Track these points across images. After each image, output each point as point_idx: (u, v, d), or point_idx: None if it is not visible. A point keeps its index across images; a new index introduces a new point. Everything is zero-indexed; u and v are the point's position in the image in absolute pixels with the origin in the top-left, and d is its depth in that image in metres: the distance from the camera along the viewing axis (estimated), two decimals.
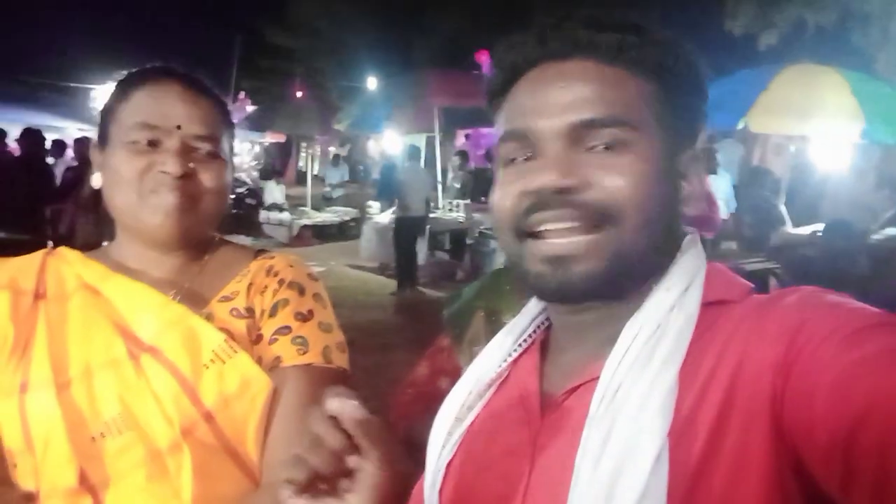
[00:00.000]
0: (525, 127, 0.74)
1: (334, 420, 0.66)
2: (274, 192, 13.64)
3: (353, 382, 1.13)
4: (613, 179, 0.70)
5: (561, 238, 0.72)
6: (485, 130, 12.83)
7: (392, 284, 8.82)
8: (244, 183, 13.29)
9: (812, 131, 6.94)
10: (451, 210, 10.71)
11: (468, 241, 9.41)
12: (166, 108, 1.09)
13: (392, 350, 5.32)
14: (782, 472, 0.60)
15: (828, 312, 0.63)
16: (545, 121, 0.73)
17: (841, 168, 7.33)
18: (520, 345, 0.84)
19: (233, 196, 1.20)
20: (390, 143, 13.35)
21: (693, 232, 0.79)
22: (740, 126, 6.68)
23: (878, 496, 0.55)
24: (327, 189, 15.91)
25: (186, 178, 1.07)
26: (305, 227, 12.91)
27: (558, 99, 0.73)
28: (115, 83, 1.14)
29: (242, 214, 12.09)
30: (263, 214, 12.92)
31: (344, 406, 0.66)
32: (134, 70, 1.14)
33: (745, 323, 0.67)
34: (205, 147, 1.10)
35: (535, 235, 0.73)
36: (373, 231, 10.29)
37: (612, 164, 0.71)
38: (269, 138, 18.12)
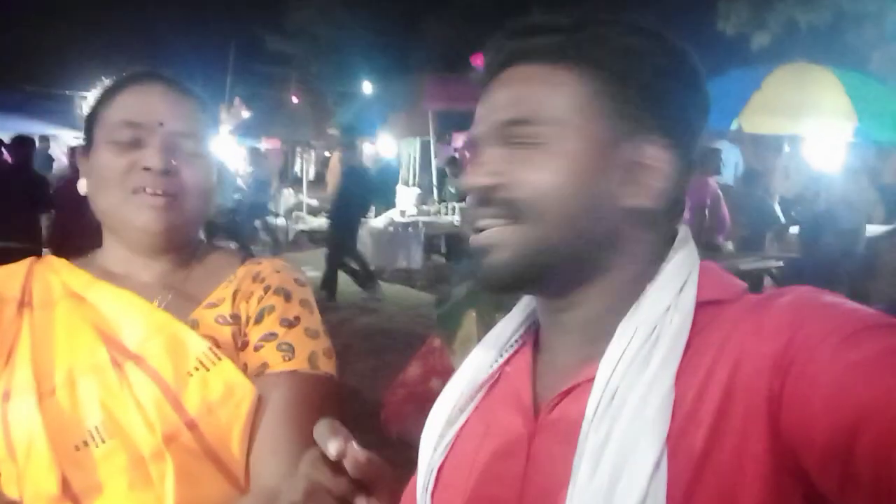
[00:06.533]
0: (471, 132, 0.79)
1: (334, 464, 0.62)
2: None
3: (343, 387, 1.13)
4: (529, 175, 0.72)
5: (487, 231, 0.75)
6: None
7: (388, 288, 8.81)
8: (240, 189, 13.25)
9: (805, 131, 6.95)
10: (446, 213, 10.68)
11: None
12: (149, 106, 1.08)
13: (389, 353, 5.30)
14: (780, 474, 0.60)
15: (825, 313, 0.63)
16: (480, 125, 0.77)
17: (834, 167, 7.34)
18: (510, 345, 0.84)
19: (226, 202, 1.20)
20: (385, 147, 13.31)
21: (686, 228, 0.78)
22: (734, 126, 6.67)
23: (877, 499, 0.55)
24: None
25: (169, 175, 1.06)
26: (302, 232, 12.90)
27: (492, 104, 0.77)
28: (98, 88, 1.14)
29: (238, 220, 12.04)
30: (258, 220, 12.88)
31: (343, 447, 0.61)
32: (118, 75, 1.14)
33: (741, 323, 0.66)
34: (188, 144, 1.09)
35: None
36: (368, 235, 10.26)
37: (530, 161, 0.73)
38: (265, 144, 18.09)
